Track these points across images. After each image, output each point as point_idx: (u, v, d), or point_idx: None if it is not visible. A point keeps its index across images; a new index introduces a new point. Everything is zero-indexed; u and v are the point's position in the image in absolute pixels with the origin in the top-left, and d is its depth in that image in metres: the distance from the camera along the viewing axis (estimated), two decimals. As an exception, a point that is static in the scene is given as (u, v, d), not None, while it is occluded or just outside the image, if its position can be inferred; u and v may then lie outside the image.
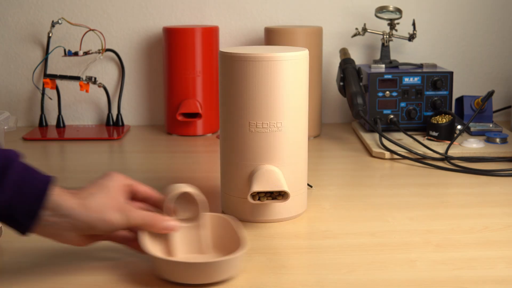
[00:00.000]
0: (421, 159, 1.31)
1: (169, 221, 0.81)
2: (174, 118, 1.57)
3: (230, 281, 0.78)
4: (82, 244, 0.79)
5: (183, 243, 0.84)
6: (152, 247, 0.80)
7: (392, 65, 1.55)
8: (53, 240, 0.78)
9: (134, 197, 0.83)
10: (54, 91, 1.64)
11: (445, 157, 1.30)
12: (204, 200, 0.84)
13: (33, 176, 0.74)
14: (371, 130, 1.50)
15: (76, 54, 1.58)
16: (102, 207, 0.76)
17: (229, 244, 0.83)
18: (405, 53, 1.69)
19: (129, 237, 0.83)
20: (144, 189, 0.83)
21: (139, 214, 0.79)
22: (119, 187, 0.80)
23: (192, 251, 0.84)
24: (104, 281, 0.78)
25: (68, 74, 1.65)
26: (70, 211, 0.75)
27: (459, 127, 1.42)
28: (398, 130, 1.48)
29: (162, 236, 0.82)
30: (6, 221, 0.74)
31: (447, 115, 1.42)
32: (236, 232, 0.83)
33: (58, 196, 0.74)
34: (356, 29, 1.60)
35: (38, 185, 0.73)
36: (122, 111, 1.69)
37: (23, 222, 0.73)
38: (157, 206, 0.84)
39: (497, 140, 1.39)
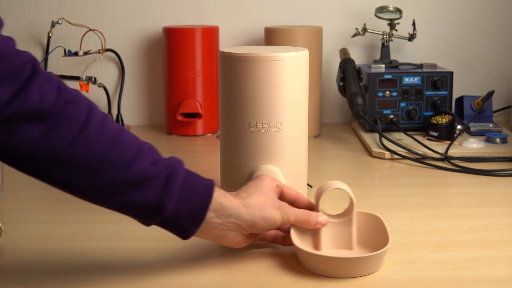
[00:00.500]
0: (421, 159, 1.31)
1: (321, 216, 0.84)
2: (174, 118, 1.57)
3: (232, 281, 0.78)
4: (241, 245, 0.82)
5: (330, 238, 0.86)
6: (301, 241, 0.84)
7: (392, 65, 1.55)
8: (214, 242, 0.81)
9: (281, 198, 0.85)
10: (54, 91, 1.64)
11: (445, 157, 1.30)
12: (353, 197, 0.86)
13: (197, 181, 0.77)
14: (371, 130, 1.50)
15: (76, 54, 1.58)
16: (262, 205, 0.79)
17: (373, 240, 0.86)
18: (405, 53, 1.69)
19: (279, 235, 0.86)
20: (291, 192, 0.86)
21: (295, 211, 0.82)
22: (272, 188, 0.83)
23: (338, 246, 0.86)
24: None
25: (68, 74, 1.65)
26: (235, 211, 0.78)
27: (459, 127, 1.42)
28: (398, 130, 1.48)
29: (310, 231, 0.86)
30: (170, 228, 0.76)
31: (447, 115, 1.42)
32: (384, 228, 0.85)
33: (222, 198, 0.77)
34: (356, 29, 1.60)
35: (202, 190, 0.76)
36: (122, 111, 1.69)
37: (188, 227, 0.76)
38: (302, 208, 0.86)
39: (497, 140, 1.39)
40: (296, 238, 0.84)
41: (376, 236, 0.86)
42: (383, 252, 0.80)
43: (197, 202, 0.75)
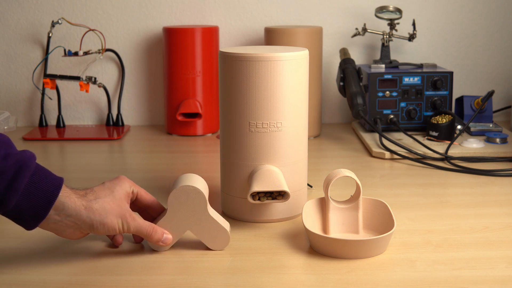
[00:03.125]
0: (421, 159, 1.31)
1: (166, 235, 0.85)
2: (174, 118, 1.57)
3: (229, 281, 0.78)
4: (77, 238, 0.83)
5: (338, 223, 0.93)
6: (311, 225, 0.90)
7: (392, 65, 1.55)
8: (53, 233, 0.82)
9: (136, 202, 0.88)
10: (54, 91, 1.64)
11: (445, 157, 1.30)
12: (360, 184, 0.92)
13: (46, 179, 0.77)
14: (371, 130, 1.50)
15: (76, 54, 1.58)
16: (105, 211, 0.81)
17: (379, 225, 0.91)
18: (405, 53, 1.69)
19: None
20: (147, 198, 0.88)
21: (138, 224, 0.84)
22: (126, 194, 0.84)
23: (346, 230, 0.93)
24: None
25: (68, 74, 1.65)
26: (75, 211, 0.79)
27: (459, 127, 1.42)
28: (398, 130, 1.48)
29: (320, 216, 0.93)
30: (13, 219, 0.78)
31: (447, 115, 1.42)
32: (389, 214, 0.90)
33: (65, 198, 0.78)
34: (356, 29, 1.60)
35: (47, 189, 0.77)
36: (122, 111, 1.69)
37: (30, 222, 0.77)
38: (157, 215, 0.90)
39: (497, 140, 1.39)
40: (307, 222, 0.89)
41: (382, 221, 0.91)
42: (388, 236, 0.84)
43: (42, 200, 0.76)
